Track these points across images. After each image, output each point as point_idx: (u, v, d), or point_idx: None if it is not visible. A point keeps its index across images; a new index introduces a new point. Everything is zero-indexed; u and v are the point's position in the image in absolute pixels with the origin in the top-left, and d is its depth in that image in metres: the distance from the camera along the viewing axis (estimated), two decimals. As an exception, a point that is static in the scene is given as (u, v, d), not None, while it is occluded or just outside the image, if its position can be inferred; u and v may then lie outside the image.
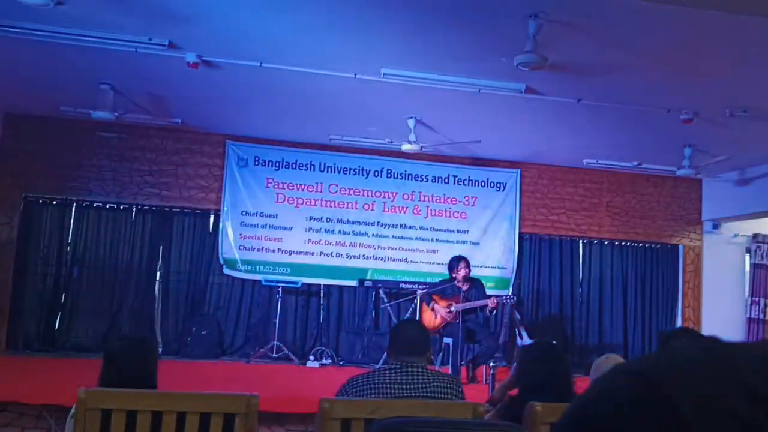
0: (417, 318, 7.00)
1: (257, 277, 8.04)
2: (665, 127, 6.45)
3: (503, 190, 8.69)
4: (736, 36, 4.31)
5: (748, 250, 9.12)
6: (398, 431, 1.82)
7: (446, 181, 8.57)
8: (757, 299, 8.92)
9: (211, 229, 8.19)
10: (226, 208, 8.08)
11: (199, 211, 8.19)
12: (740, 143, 6.91)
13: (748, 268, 9.12)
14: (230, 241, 8.06)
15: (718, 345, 0.41)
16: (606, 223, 8.91)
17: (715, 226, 8.99)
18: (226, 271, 8.04)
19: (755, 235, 9.08)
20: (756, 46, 4.43)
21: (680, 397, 0.37)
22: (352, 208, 8.33)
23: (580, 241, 8.97)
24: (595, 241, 9.01)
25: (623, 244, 9.05)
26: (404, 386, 2.87)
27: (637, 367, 0.41)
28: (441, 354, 7.09)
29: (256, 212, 8.14)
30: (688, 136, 6.75)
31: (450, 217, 8.54)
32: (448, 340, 6.89)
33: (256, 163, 8.19)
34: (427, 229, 8.46)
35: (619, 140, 7.26)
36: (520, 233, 8.69)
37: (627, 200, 8.95)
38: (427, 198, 8.50)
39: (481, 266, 8.09)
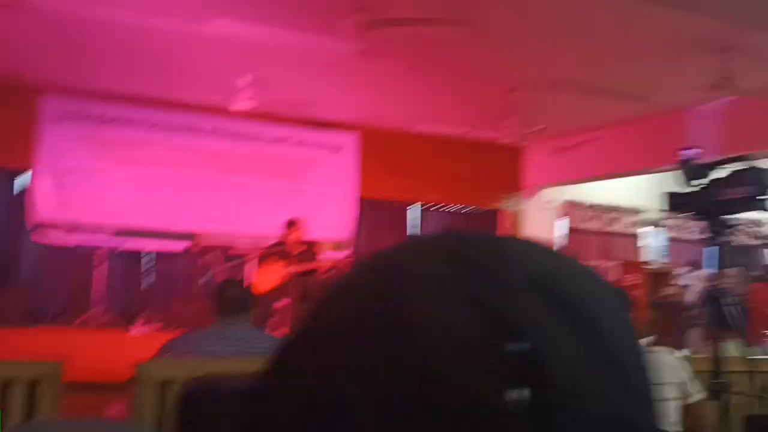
0: (244, 280, 6.87)
1: (78, 240, 7.49)
2: (490, 96, 6.75)
3: (341, 153, 8.69)
4: (557, 10, 4.57)
5: (564, 216, 9.86)
6: (208, 389, 1.76)
7: (283, 142, 8.42)
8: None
9: (24, 190, 7.49)
10: (41, 167, 7.40)
11: (9, 171, 7.48)
12: (558, 114, 7.40)
13: (564, 232, 9.87)
14: (47, 202, 7.41)
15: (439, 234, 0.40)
16: (438, 188, 9.20)
17: (534, 193, 9.61)
18: (40, 234, 7.40)
19: (570, 202, 9.83)
20: (577, 21, 4.73)
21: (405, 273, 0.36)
22: (183, 168, 7.95)
23: (415, 206, 9.27)
24: (429, 206, 9.34)
25: (453, 208, 9.46)
26: (224, 345, 2.81)
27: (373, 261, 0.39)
28: (272, 318, 7.01)
29: (76, 171, 7.52)
30: (511, 106, 7.10)
31: (286, 178, 8.42)
32: (281, 303, 6.83)
33: (77, 118, 7.55)
34: (262, 190, 8.28)
35: (448, 107, 7.52)
36: (357, 196, 8.77)
37: (456, 166, 9.25)
38: (262, 159, 8.31)
39: (318, 229, 8.06)
